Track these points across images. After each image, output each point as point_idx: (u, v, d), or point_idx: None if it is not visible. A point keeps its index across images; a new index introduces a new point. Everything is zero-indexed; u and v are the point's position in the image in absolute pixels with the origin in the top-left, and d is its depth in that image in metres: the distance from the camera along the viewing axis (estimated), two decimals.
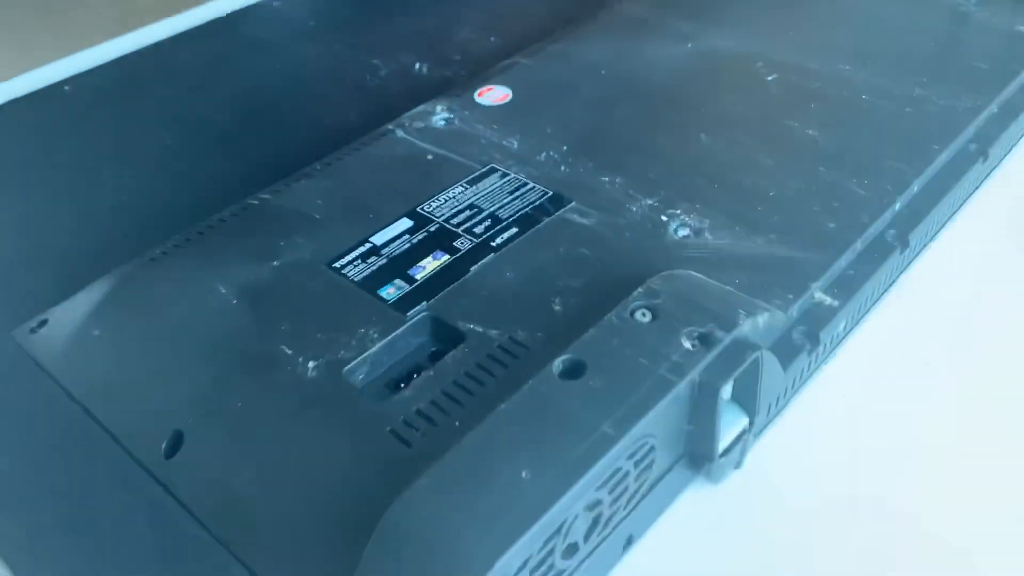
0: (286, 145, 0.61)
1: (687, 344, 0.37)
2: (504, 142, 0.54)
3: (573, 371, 0.36)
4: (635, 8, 0.69)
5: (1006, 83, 0.57)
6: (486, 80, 0.61)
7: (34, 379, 0.44)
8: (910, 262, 0.50)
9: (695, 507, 0.39)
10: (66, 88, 0.68)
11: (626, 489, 0.35)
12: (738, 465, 0.40)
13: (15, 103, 0.67)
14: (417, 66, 0.69)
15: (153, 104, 0.66)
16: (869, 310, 0.47)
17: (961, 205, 0.54)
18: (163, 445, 0.39)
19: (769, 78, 0.59)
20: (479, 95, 0.59)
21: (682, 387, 0.35)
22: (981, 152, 0.54)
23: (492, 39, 0.72)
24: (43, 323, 0.47)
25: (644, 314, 0.38)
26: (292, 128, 0.63)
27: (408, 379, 0.40)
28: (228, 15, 0.78)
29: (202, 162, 0.60)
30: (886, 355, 0.45)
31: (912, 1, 0.68)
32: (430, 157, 0.53)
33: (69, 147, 0.62)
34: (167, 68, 0.71)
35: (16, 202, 0.57)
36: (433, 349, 0.42)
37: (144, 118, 0.65)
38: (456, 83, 0.64)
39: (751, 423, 0.39)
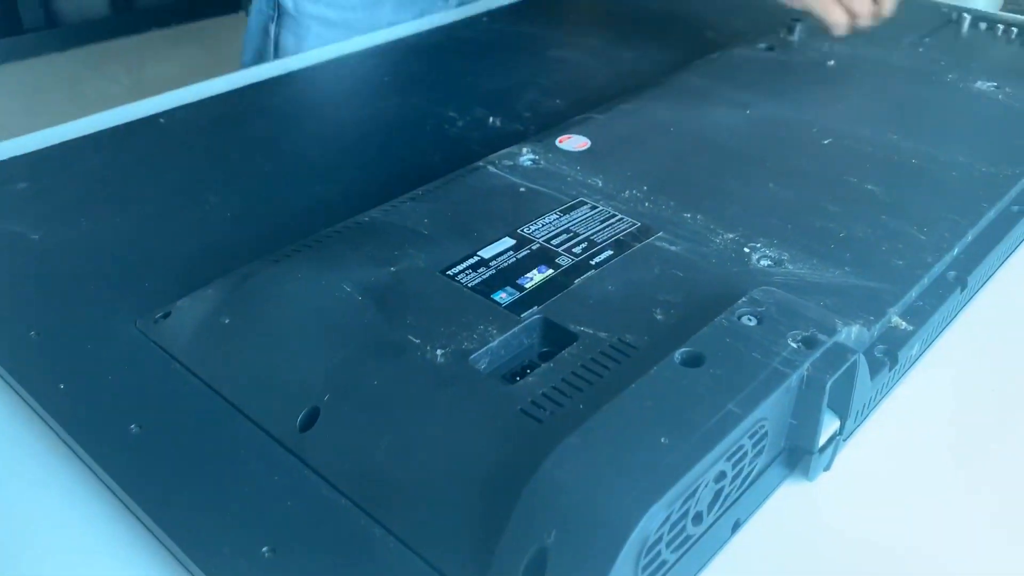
0: (377, 176, 0.65)
1: (793, 344, 0.41)
2: (589, 180, 0.59)
3: (694, 361, 0.39)
4: (694, 79, 0.75)
5: None
6: (564, 130, 0.66)
7: (158, 366, 0.47)
8: (968, 301, 0.54)
9: (789, 502, 0.42)
10: (161, 120, 0.73)
11: (742, 469, 0.38)
12: (828, 467, 0.43)
13: (115, 130, 0.71)
14: (491, 119, 0.74)
15: (246, 138, 0.71)
16: (935, 340, 0.51)
17: (1006, 258, 0.59)
18: (297, 420, 0.42)
19: (825, 141, 0.65)
20: (560, 142, 0.64)
21: (793, 379, 0.39)
22: (1023, 213, 0.59)
23: (557, 101, 0.78)
24: (167, 314, 0.49)
25: (750, 319, 0.42)
26: (381, 163, 0.68)
27: (523, 374, 0.43)
28: (311, 66, 0.83)
29: (301, 188, 0.64)
30: (951, 382, 0.49)
31: (945, 85, 0.75)
32: (522, 189, 0.58)
33: (171, 171, 0.66)
34: (256, 108, 0.76)
35: (126, 214, 0.60)
36: (543, 350, 0.46)
37: (238, 149, 0.69)
38: (528, 136, 0.69)
39: (842, 426, 0.43)
